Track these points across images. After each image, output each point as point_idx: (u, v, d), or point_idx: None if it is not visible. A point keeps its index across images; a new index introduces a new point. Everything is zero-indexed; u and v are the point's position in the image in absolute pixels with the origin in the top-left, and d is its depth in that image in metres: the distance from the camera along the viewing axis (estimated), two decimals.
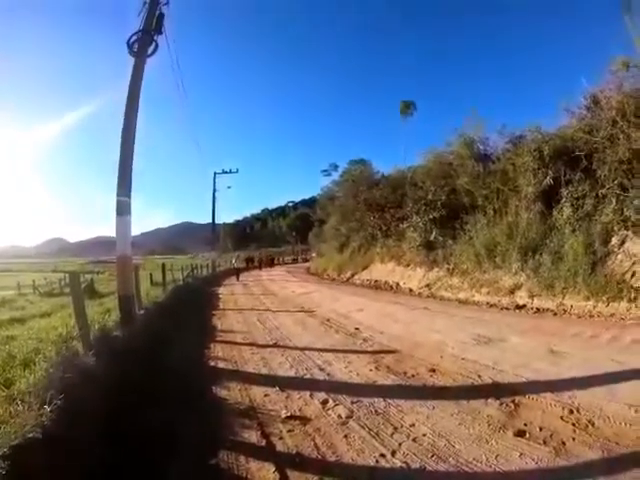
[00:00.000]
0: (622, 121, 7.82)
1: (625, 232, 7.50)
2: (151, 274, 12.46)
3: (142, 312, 7.14)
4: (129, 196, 6.43)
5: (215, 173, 33.03)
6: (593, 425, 2.87)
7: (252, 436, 3.13)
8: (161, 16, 6.96)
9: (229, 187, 36.50)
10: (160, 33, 6.94)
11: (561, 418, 3.02)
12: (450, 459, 2.58)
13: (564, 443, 2.66)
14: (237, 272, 26.09)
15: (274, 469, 2.61)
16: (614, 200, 7.81)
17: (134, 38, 6.74)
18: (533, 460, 2.49)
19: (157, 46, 6.91)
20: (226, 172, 33.20)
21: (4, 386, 2.92)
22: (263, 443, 3.01)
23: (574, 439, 2.70)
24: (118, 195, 6.35)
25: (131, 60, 6.68)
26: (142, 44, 6.73)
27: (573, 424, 2.91)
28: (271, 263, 48.19)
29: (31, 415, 2.47)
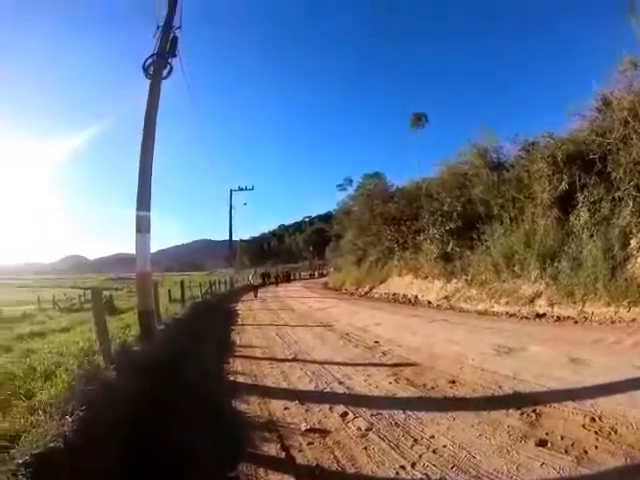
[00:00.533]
0: (634, 121, 7.76)
1: None
2: (169, 290, 12.66)
3: (162, 327, 7.25)
4: (148, 213, 6.61)
5: (231, 190, 33.64)
6: (616, 432, 2.82)
7: (272, 449, 3.15)
8: (175, 39, 7.24)
9: (245, 204, 37.29)
10: (174, 56, 7.22)
11: (583, 426, 2.97)
12: (471, 470, 2.57)
13: (586, 452, 2.62)
14: (254, 289, 23.66)
15: None
16: (631, 202, 7.71)
17: (149, 61, 7.03)
18: (555, 470, 2.46)
19: (172, 69, 7.19)
20: (242, 189, 33.81)
21: (25, 397, 3.01)
22: (283, 456, 3.03)
23: (596, 447, 2.66)
24: (138, 212, 6.54)
25: (147, 82, 6.97)
26: (157, 67, 7.01)
27: (595, 432, 2.86)
28: (287, 279, 47.98)
29: (52, 425, 2.53)
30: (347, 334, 7.99)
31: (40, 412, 2.70)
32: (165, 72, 7.17)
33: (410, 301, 14.65)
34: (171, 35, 7.30)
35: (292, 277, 53.70)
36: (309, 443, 3.19)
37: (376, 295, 18.34)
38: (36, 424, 2.53)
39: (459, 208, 13.45)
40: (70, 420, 2.63)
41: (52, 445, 2.31)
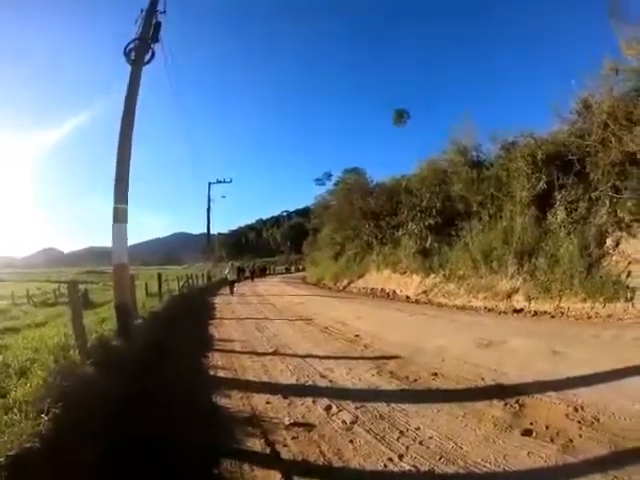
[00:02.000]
0: (613, 124, 7.93)
1: (619, 233, 7.59)
2: (147, 284, 12.36)
3: (139, 321, 7.07)
4: (126, 204, 6.40)
5: (210, 183, 33.21)
6: (599, 421, 2.87)
7: (256, 444, 3.08)
8: (158, 25, 7.03)
9: (223, 197, 36.44)
10: (157, 41, 7.01)
11: (566, 416, 3.01)
12: (459, 461, 2.56)
13: (571, 440, 2.65)
14: (231, 285, 19.64)
15: (280, 476, 2.56)
16: (608, 202, 7.92)
17: (131, 46, 6.79)
18: (542, 458, 2.48)
19: (154, 54, 6.97)
20: (220, 182, 33.45)
21: None
22: (267, 451, 2.96)
23: (581, 436, 2.70)
24: (115, 203, 6.33)
25: (128, 68, 6.72)
26: (139, 52, 6.78)
27: (579, 421, 2.90)
28: (262, 273, 45.24)
29: (28, 424, 2.43)
30: (327, 328, 7.95)
31: (15, 410, 2.58)
32: (147, 57, 6.95)
33: (388, 295, 14.75)
34: (154, 20, 7.09)
35: (268, 271, 51.69)
36: (294, 437, 3.12)
37: (354, 289, 18.38)
38: (11, 423, 2.43)
39: (438, 204, 13.57)
40: (46, 419, 2.52)
41: (28, 445, 2.22)
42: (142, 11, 6.97)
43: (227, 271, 21.23)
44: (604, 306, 6.80)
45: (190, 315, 11.25)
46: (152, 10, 7.00)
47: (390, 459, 2.67)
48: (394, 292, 14.76)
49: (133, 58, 6.72)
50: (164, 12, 7.13)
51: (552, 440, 2.69)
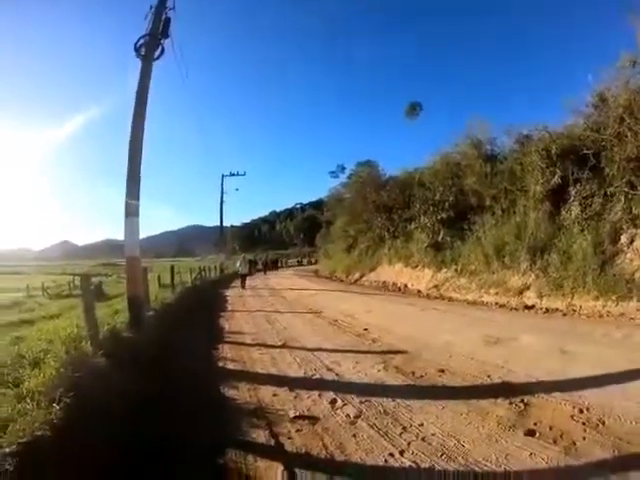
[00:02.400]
0: (629, 118, 7.76)
1: (634, 230, 7.45)
2: (159, 276, 12.53)
3: (151, 313, 7.18)
4: (138, 198, 6.50)
5: (223, 175, 33.39)
6: (604, 424, 2.84)
7: (260, 436, 3.14)
8: (167, 20, 7.05)
9: (237, 189, 36.97)
10: (167, 37, 7.03)
11: (571, 417, 3.00)
12: (459, 458, 2.57)
13: (574, 442, 2.64)
14: (242, 279, 19.14)
15: (283, 468, 2.60)
16: (623, 198, 7.76)
17: (141, 42, 6.83)
18: (543, 460, 2.47)
19: (164, 50, 7.01)
20: (234, 174, 33.61)
21: (13, 385, 2.95)
22: (272, 442, 3.02)
23: (585, 438, 2.68)
24: (127, 197, 6.42)
25: (138, 63, 6.78)
26: (149, 48, 6.83)
27: (583, 423, 2.89)
28: (274, 266, 43.81)
29: (40, 413, 2.50)
30: (336, 321, 8.00)
31: (28, 400, 2.65)
32: (157, 53, 6.99)
33: (400, 289, 14.73)
34: (164, 16, 7.11)
35: (280, 264, 49.79)
36: (298, 430, 3.17)
37: (366, 283, 18.39)
38: (24, 412, 2.49)
39: (451, 198, 13.46)
40: (57, 408, 2.59)
41: (39, 433, 2.28)
42: (151, 7, 7.00)
43: (239, 264, 20.44)
44: (616, 305, 6.70)
45: (202, 307, 11.39)
46: (161, 6, 7.03)
47: (391, 454, 2.70)
48: (405, 286, 14.74)
49: (143, 54, 6.77)
50: (173, 8, 7.15)
51: (555, 441, 2.68)
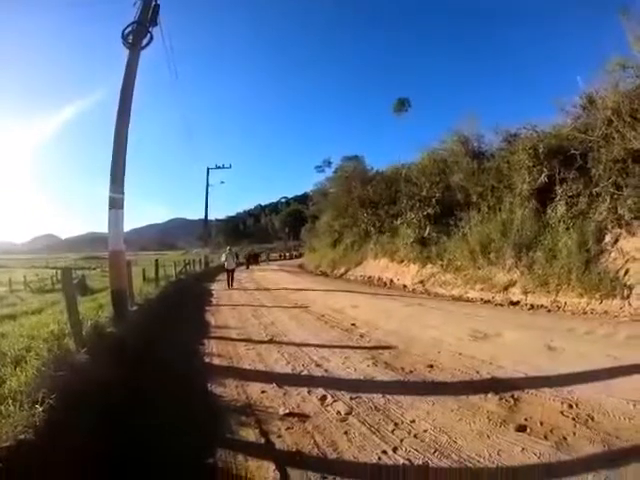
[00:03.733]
0: (617, 121, 7.86)
1: (619, 230, 7.55)
2: (144, 270, 12.32)
3: (135, 308, 7.05)
4: (122, 190, 6.36)
5: (208, 168, 32.91)
6: (593, 419, 2.88)
7: (250, 434, 3.08)
8: (156, 8, 6.89)
9: (222, 182, 36.11)
10: (155, 25, 6.88)
11: (561, 413, 3.02)
12: (453, 455, 2.57)
13: (565, 438, 2.66)
14: (228, 274, 16.92)
15: (274, 467, 2.56)
16: (608, 199, 7.86)
17: (129, 29, 6.65)
18: (535, 455, 2.49)
19: (152, 38, 6.84)
20: (219, 167, 33.14)
21: None
22: (262, 441, 2.97)
23: (575, 434, 2.71)
24: (111, 189, 6.28)
25: (125, 52, 6.59)
26: (137, 36, 6.66)
27: (573, 419, 2.91)
28: (255, 260, 41.29)
29: (22, 415, 2.42)
30: (323, 316, 7.98)
31: (10, 401, 2.57)
32: (145, 41, 6.82)
33: (385, 284, 14.77)
34: (153, 3, 6.93)
35: (261, 258, 46.53)
36: (288, 428, 3.13)
37: (352, 277, 18.40)
38: (6, 414, 2.42)
39: (438, 194, 13.50)
40: (40, 409, 2.51)
41: (22, 437, 2.22)
42: None
43: (224, 258, 18.09)
44: (600, 302, 6.81)
45: (187, 301, 11.27)
46: None
47: (384, 452, 2.68)
48: (391, 281, 14.78)
49: (131, 42, 6.59)
50: None
51: (546, 437, 2.69)
